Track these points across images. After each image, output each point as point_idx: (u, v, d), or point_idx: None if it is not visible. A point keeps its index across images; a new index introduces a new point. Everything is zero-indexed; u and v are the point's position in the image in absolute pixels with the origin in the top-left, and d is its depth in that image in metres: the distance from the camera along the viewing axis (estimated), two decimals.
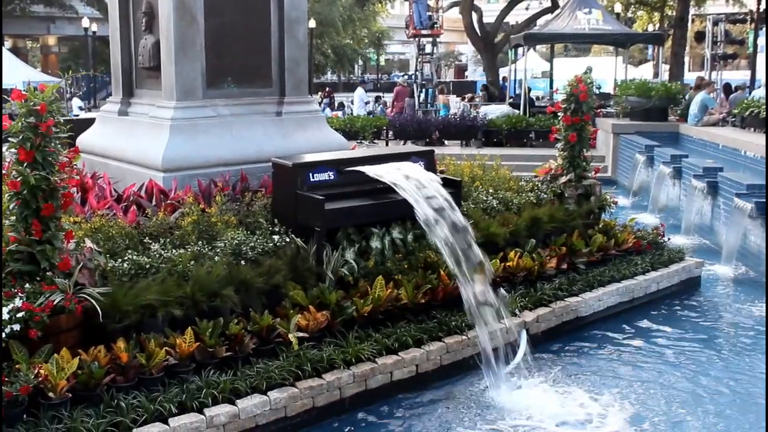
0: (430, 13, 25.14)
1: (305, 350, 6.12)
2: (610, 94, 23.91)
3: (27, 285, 5.55)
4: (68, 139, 5.99)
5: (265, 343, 6.13)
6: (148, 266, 6.23)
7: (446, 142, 21.33)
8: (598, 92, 18.40)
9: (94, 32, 39.15)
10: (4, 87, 6.45)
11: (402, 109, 24.49)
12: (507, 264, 8.01)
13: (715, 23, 24.87)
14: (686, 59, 35.80)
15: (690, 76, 30.23)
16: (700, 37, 26.75)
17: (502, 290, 7.66)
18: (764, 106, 14.52)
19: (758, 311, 8.73)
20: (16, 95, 5.69)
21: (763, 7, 28.18)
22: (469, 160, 10.50)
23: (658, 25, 39.24)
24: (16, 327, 5.25)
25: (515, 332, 7.20)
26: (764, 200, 9.85)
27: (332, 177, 7.46)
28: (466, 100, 29.60)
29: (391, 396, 6.42)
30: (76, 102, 31.61)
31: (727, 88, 21.15)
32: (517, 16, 37.01)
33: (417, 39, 25.83)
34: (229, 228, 7.05)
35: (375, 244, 7.38)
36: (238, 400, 5.57)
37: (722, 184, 11.59)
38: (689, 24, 33.02)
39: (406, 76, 31.79)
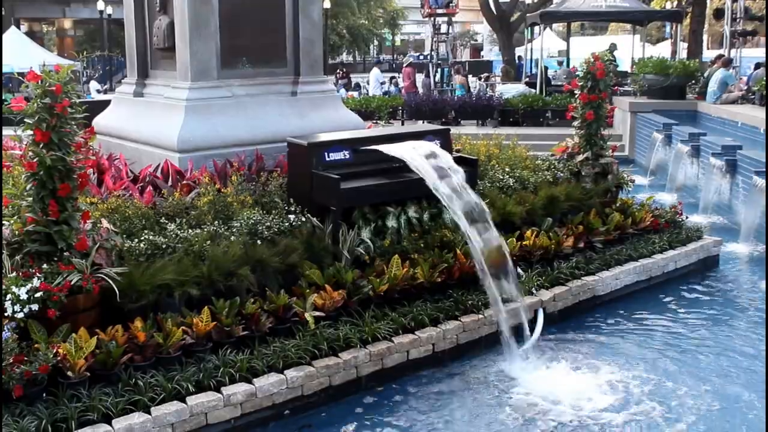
0: None
1: (321, 329, 6.14)
2: (628, 72, 23.70)
3: (44, 265, 5.58)
4: (84, 121, 6.00)
5: (281, 323, 6.15)
6: (164, 246, 6.26)
7: (462, 121, 21.23)
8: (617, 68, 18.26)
9: (109, 15, 39.19)
10: (19, 70, 6.47)
11: (410, 89, 24.37)
12: (523, 243, 7.98)
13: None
14: (705, 37, 35.39)
15: (709, 54, 29.92)
16: (719, 14, 26.36)
17: (519, 269, 7.65)
18: None
19: None
20: (31, 76, 5.70)
21: None
22: (485, 140, 10.45)
23: (676, 3, 38.80)
24: (35, 307, 5.29)
25: (532, 311, 7.20)
26: (767, 176, 9.77)
27: (348, 156, 7.44)
28: (482, 79, 29.46)
29: (407, 375, 6.43)
30: (94, 85, 31.71)
31: (758, 67, 20.80)
32: None
33: (432, 18, 25.67)
34: (245, 208, 7.06)
35: (391, 223, 7.37)
36: (255, 379, 5.60)
37: (741, 163, 11.49)
38: (708, 1, 32.59)
39: (411, 58, 31.69)
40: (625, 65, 26.31)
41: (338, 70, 34.88)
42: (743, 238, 10.58)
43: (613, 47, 22.45)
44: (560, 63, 30.30)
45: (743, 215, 10.98)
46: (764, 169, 10.28)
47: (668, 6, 37.40)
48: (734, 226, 11.42)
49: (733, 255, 10.12)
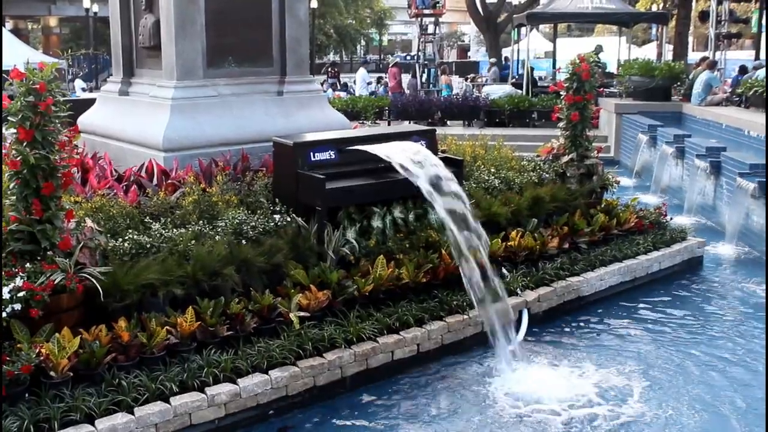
0: None
1: (306, 329, 6.13)
2: (613, 73, 23.80)
3: (28, 264, 5.54)
4: (68, 119, 5.97)
5: (266, 323, 6.14)
6: (149, 246, 6.23)
7: (448, 122, 21.25)
8: (604, 71, 18.24)
9: (95, 13, 38.98)
10: (4, 68, 6.41)
11: (396, 89, 24.40)
12: (509, 243, 8.00)
13: (720, 2, 24.62)
14: (690, 39, 35.57)
15: (694, 56, 30.06)
16: (704, 16, 26.47)
17: (504, 269, 7.67)
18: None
19: (760, 291, 8.72)
20: (15, 74, 5.66)
21: None
22: (471, 140, 10.47)
23: (662, 5, 39.00)
24: (17, 306, 5.26)
25: (517, 311, 7.22)
26: (767, 180, 9.82)
27: (333, 156, 7.44)
28: (469, 80, 29.52)
29: (392, 375, 6.43)
30: (79, 83, 31.52)
31: (744, 70, 20.87)
32: None
33: (419, 19, 25.71)
34: (230, 207, 7.04)
35: (376, 223, 7.37)
36: (239, 379, 5.59)
37: (725, 164, 11.55)
38: (693, 3, 32.79)
39: (397, 58, 31.80)
40: (611, 67, 26.40)
41: (329, 69, 34.77)
42: (727, 240, 10.65)
43: (598, 49, 22.54)
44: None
45: (727, 216, 11.04)
46: (749, 171, 10.35)
47: (654, 8, 37.63)
48: (718, 227, 11.49)
49: (717, 256, 10.18)
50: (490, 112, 21.10)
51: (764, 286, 8.72)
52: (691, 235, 9.82)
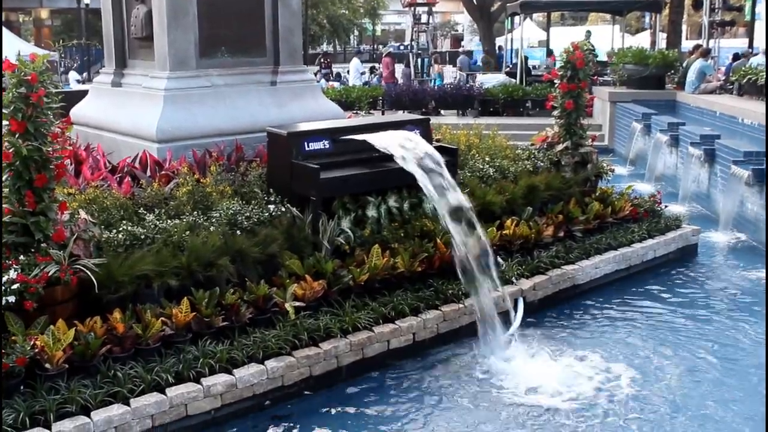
0: None
1: (302, 319, 6.13)
2: (607, 62, 23.78)
3: (21, 257, 5.52)
4: (61, 111, 5.94)
5: (261, 313, 6.13)
6: (143, 237, 6.21)
7: (442, 111, 21.23)
8: (597, 58, 18.24)
9: (87, 4, 38.79)
10: None
11: (389, 79, 24.35)
12: (504, 232, 7.99)
13: None
14: (684, 27, 35.49)
15: (687, 44, 30.02)
16: (697, 4, 26.38)
17: (498, 258, 7.66)
18: (762, 74, 14.44)
19: (755, 278, 8.74)
20: (6, 66, 5.63)
21: None
22: (465, 129, 10.45)
23: None
24: (11, 299, 5.24)
25: (512, 300, 7.22)
26: (762, 167, 9.82)
27: (327, 146, 7.42)
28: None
29: (388, 364, 6.44)
30: (73, 75, 31.42)
31: (737, 58, 20.87)
32: None
33: (412, 8, 25.62)
34: (225, 198, 7.02)
35: (371, 212, 7.36)
36: (235, 370, 5.58)
37: (719, 152, 11.56)
38: None
39: (390, 47, 31.75)
40: (604, 55, 26.37)
41: (321, 59, 34.65)
42: (722, 227, 10.67)
43: (588, 34, 22.53)
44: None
45: (721, 204, 11.06)
46: (743, 159, 10.36)
47: None
48: (712, 214, 11.51)
49: (712, 244, 10.20)
50: (485, 102, 21.08)
51: (758, 274, 8.75)
52: (686, 223, 9.83)
